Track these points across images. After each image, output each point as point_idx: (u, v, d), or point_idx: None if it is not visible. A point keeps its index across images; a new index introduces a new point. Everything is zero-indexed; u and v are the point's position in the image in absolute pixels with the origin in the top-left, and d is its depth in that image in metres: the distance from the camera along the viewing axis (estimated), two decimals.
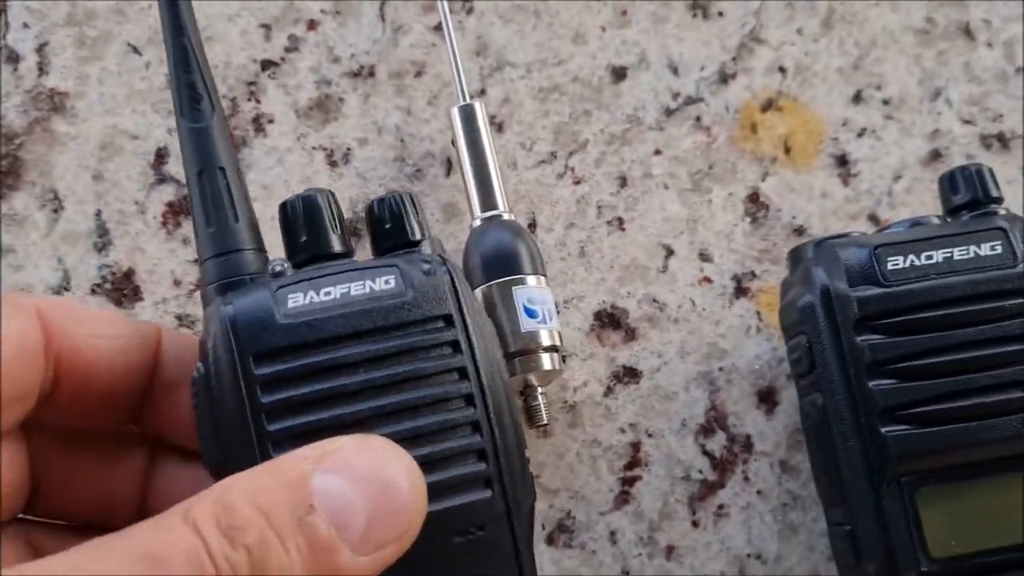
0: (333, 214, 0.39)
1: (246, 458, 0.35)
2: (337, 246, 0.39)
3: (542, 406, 0.48)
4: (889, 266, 0.45)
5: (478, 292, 0.47)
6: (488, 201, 0.49)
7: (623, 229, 0.53)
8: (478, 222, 0.49)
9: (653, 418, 0.50)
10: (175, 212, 0.51)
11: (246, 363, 0.35)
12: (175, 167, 0.52)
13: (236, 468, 0.33)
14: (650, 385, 0.51)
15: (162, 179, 0.52)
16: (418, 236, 0.40)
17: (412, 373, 0.36)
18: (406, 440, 0.35)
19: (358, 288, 0.37)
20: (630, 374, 0.51)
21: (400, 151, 0.53)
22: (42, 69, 0.52)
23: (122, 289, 0.51)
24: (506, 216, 0.49)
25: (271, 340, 0.36)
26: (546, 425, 0.48)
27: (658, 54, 0.55)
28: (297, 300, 0.36)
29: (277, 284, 0.37)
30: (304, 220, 0.39)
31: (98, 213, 0.51)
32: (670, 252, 0.53)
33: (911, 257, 0.45)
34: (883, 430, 0.43)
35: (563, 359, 0.49)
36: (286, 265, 0.39)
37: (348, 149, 0.53)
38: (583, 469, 0.50)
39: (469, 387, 0.36)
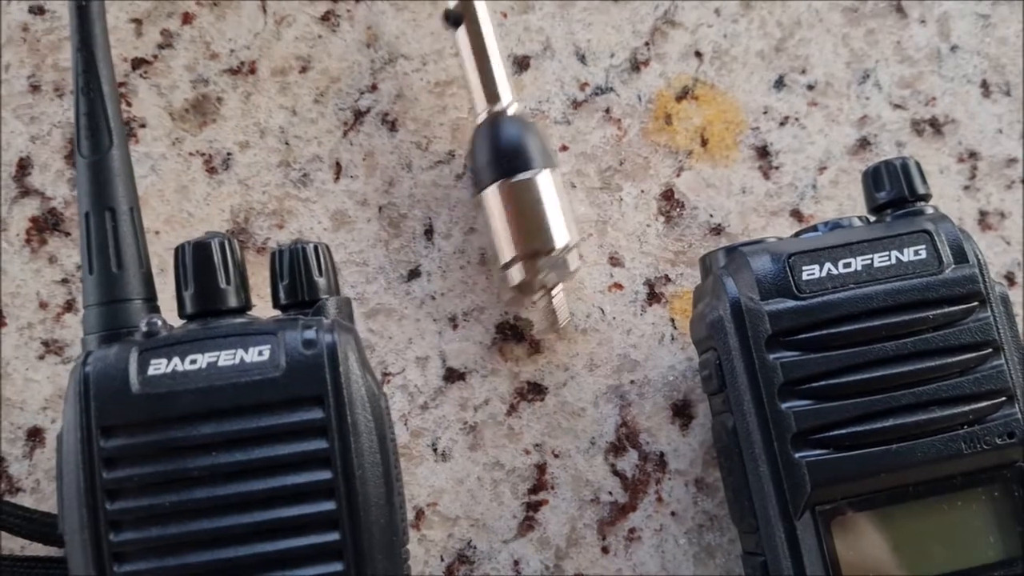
0: (228, 265, 0.36)
1: (79, 536, 0.33)
2: (231, 301, 0.36)
3: (563, 306, 0.47)
4: (804, 276, 0.41)
5: (490, 192, 0.44)
6: (491, 93, 0.46)
7: None
8: (482, 116, 0.46)
9: (560, 437, 0.47)
10: (40, 228, 0.47)
11: (92, 432, 0.33)
12: (40, 178, 0.48)
13: (71, 546, 0.32)
14: (556, 402, 0.47)
15: (25, 192, 0.48)
16: (318, 295, 0.37)
17: (267, 460, 0.34)
18: (254, 533, 0.33)
19: (227, 358, 0.34)
20: (535, 390, 0.48)
21: (285, 154, 0.49)
22: None
23: None
24: (512, 108, 0.46)
25: (121, 411, 0.34)
26: (567, 322, 0.48)
27: (564, 41, 0.51)
28: (159, 367, 0.34)
29: (145, 345, 0.34)
30: (193, 271, 0.36)
31: None
32: (579, 256, 0.49)
33: (827, 265, 0.42)
34: (797, 456, 0.40)
35: (580, 256, 0.47)
36: (160, 323, 0.36)
37: (228, 154, 0.49)
38: (484, 494, 0.46)
39: (329, 477, 0.33)
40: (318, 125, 0.49)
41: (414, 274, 0.48)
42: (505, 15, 0.51)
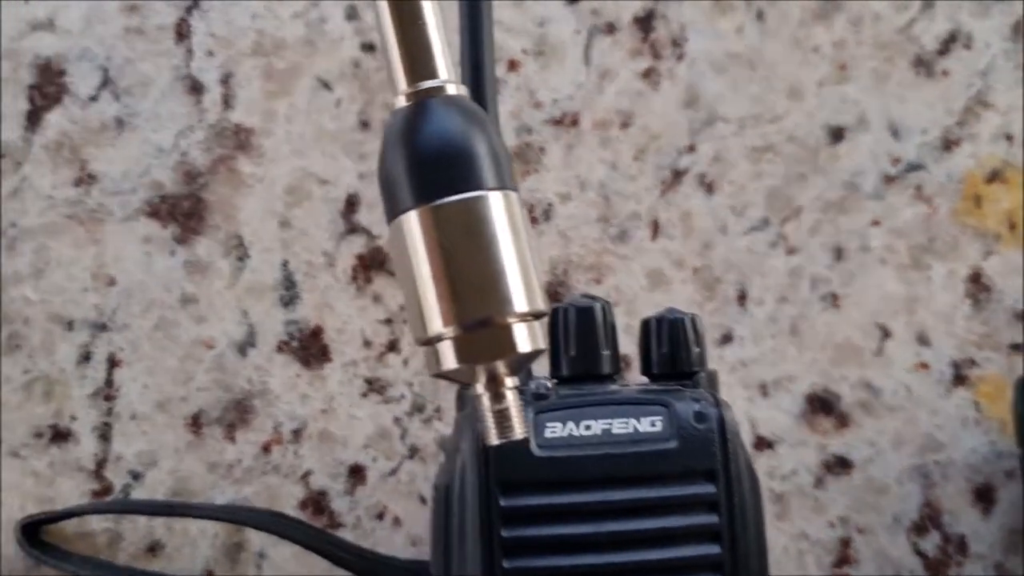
0: (607, 330, 0.36)
1: None
2: (606, 367, 0.36)
3: (512, 408, 0.28)
4: None
5: (406, 221, 0.27)
6: (419, 65, 0.28)
7: (837, 306, 0.49)
8: (402, 100, 0.28)
9: (865, 512, 0.48)
10: (366, 266, 0.48)
11: (492, 490, 0.34)
12: (367, 216, 0.48)
13: None
14: (862, 477, 0.48)
15: (352, 229, 0.48)
16: (693, 367, 0.37)
17: (660, 531, 0.34)
18: None
19: (621, 426, 0.35)
20: (841, 464, 0.48)
21: (604, 209, 0.49)
22: (227, 103, 0.49)
23: (309, 348, 0.48)
24: (452, 89, 0.28)
25: (523, 471, 0.34)
26: (518, 439, 0.28)
27: (879, 114, 0.51)
28: (555, 430, 0.34)
29: (537, 407, 0.35)
30: (576, 334, 0.36)
31: (284, 263, 0.48)
32: (886, 333, 0.49)
33: None
34: None
35: (543, 326, 0.29)
36: (550, 386, 0.36)
37: (549, 204, 0.49)
38: (789, 564, 0.47)
39: (718, 552, 0.34)
40: (637, 182, 0.50)
41: (727, 339, 0.49)
42: (821, 84, 0.51)
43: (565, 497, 0.34)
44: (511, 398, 0.28)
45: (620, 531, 0.34)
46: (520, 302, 0.27)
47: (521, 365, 0.28)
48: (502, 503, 0.33)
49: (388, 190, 0.28)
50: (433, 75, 0.28)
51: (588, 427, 0.35)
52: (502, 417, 0.28)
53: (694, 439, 0.35)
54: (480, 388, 0.28)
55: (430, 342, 0.27)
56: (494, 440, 0.28)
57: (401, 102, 0.28)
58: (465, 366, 0.27)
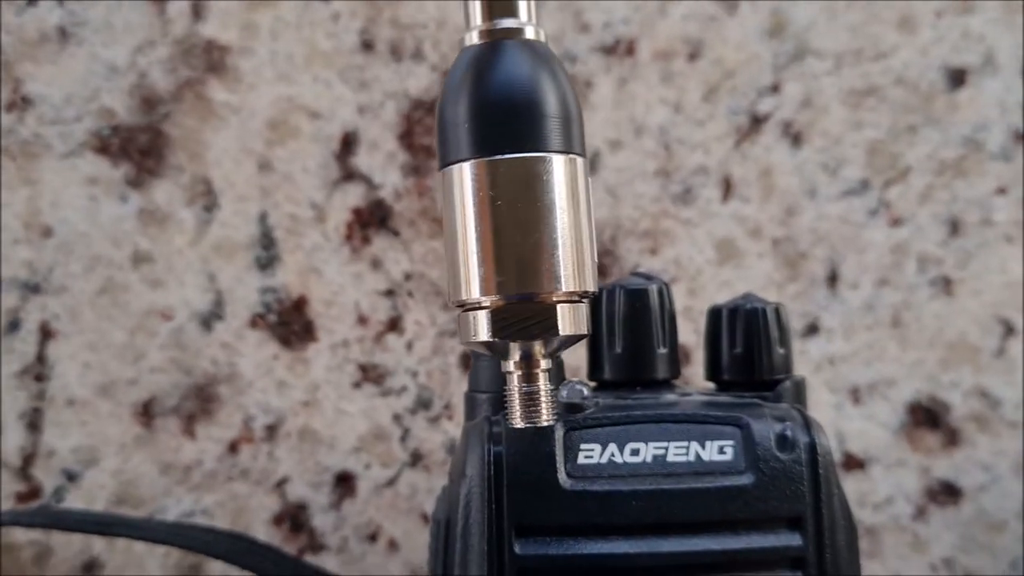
0: (665, 321, 0.28)
1: None
2: (661, 370, 0.29)
3: (543, 393, 0.26)
4: None
5: (459, 171, 0.25)
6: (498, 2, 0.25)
7: (951, 293, 0.40)
8: (474, 36, 0.25)
9: (975, 554, 0.38)
10: (363, 223, 0.39)
11: (504, 531, 0.26)
12: (367, 160, 0.39)
13: None
14: (974, 509, 0.38)
15: (349, 175, 0.39)
16: (778, 375, 0.29)
17: None
18: None
19: (679, 452, 0.27)
20: (948, 492, 0.39)
21: (663, 161, 0.39)
22: (197, 12, 0.39)
23: (290, 324, 0.38)
24: (531, 33, 0.25)
25: (547, 509, 0.26)
26: (546, 425, 0.26)
27: (1009, 54, 0.41)
28: (592, 455, 0.27)
29: (572, 423, 0.27)
30: (624, 325, 0.28)
31: (263, 217, 0.38)
32: (1010, 329, 0.40)
33: None
34: None
35: (588, 309, 0.26)
36: (587, 393, 0.27)
37: (595, 153, 0.39)
38: None
39: None
40: (706, 129, 0.40)
41: (812, 329, 0.39)
42: (939, 14, 0.41)
43: (601, 547, 0.27)
44: (543, 381, 0.25)
45: None
46: (568, 280, 0.24)
47: (560, 348, 0.26)
48: (518, 551, 0.26)
49: (444, 134, 0.25)
50: (513, 13, 0.25)
51: (636, 452, 0.27)
52: (531, 401, 0.26)
53: (776, 473, 0.27)
54: (511, 366, 0.25)
55: (466, 307, 0.25)
56: (519, 423, 0.25)
57: (473, 38, 0.25)
58: (499, 339, 0.25)
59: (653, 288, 0.29)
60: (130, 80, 0.38)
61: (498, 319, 0.25)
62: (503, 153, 0.25)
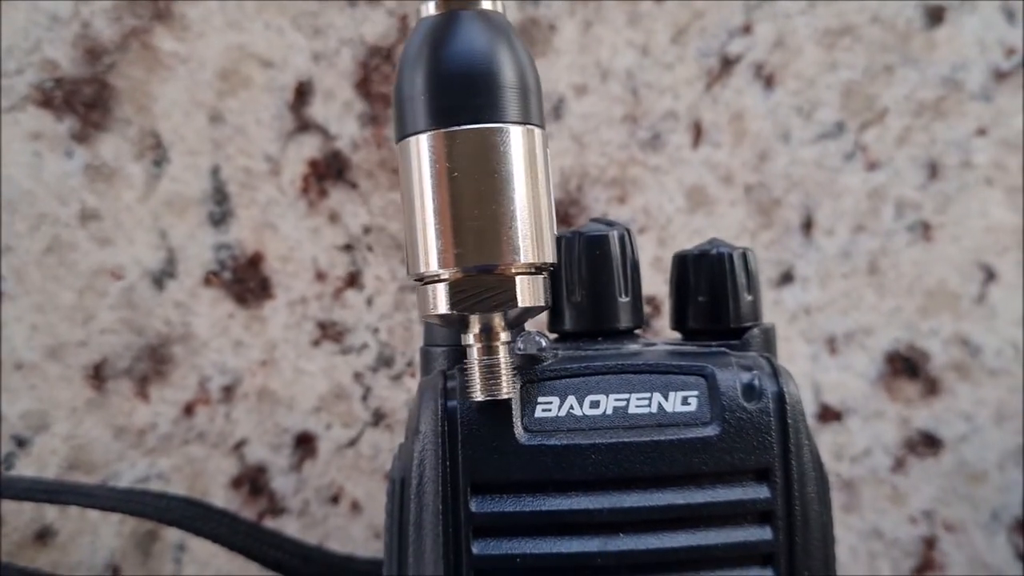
0: (627, 268, 0.28)
1: None
2: (624, 319, 0.28)
3: (503, 365, 0.25)
4: None
5: (416, 143, 0.25)
6: None
7: (929, 239, 0.38)
8: (431, 7, 0.25)
9: (955, 505, 0.37)
10: (320, 175, 0.37)
11: (460, 489, 0.25)
12: (323, 110, 0.37)
13: None
14: (954, 460, 0.37)
15: (304, 126, 0.37)
16: (745, 322, 0.28)
17: (693, 551, 0.25)
18: None
19: (641, 403, 0.26)
20: (928, 442, 0.38)
21: (631, 107, 0.38)
22: None
23: (245, 281, 0.37)
24: (487, 3, 0.25)
25: (503, 465, 0.25)
26: (503, 399, 0.25)
27: None
28: (550, 408, 0.26)
29: (527, 375, 0.26)
30: (585, 272, 0.27)
31: (215, 170, 0.37)
32: (991, 275, 0.38)
33: None
34: None
35: (548, 281, 0.26)
36: (545, 344, 0.26)
37: (560, 99, 0.38)
38: (858, 568, 0.37)
39: None
40: (675, 72, 0.38)
41: (786, 278, 0.38)
42: None
43: (560, 502, 0.26)
44: (503, 353, 0.25)
45: (636, 551, 0.25)
46: (527, 252, 0.24)
47: (520, 320, 0.25)
48: (473, 508, 0.25)
49: (401, 106, 0.25)
50: None
51: (596, 404, 0.26)
52: (491, 373, 0.25)
53: (743, 424, 0.26)
54: (471, 339, 0.25)
55: (425, 280, 0.25)
56: (480, 396, 0.25)
57: (430, 9, 0.25)
58: (456, 311, 0.25)
59: (614, 234, 0.28)
60: (73, 30, 0.37)
61: (457, 291, 0.24)
62: (459, 124, 0.24)
